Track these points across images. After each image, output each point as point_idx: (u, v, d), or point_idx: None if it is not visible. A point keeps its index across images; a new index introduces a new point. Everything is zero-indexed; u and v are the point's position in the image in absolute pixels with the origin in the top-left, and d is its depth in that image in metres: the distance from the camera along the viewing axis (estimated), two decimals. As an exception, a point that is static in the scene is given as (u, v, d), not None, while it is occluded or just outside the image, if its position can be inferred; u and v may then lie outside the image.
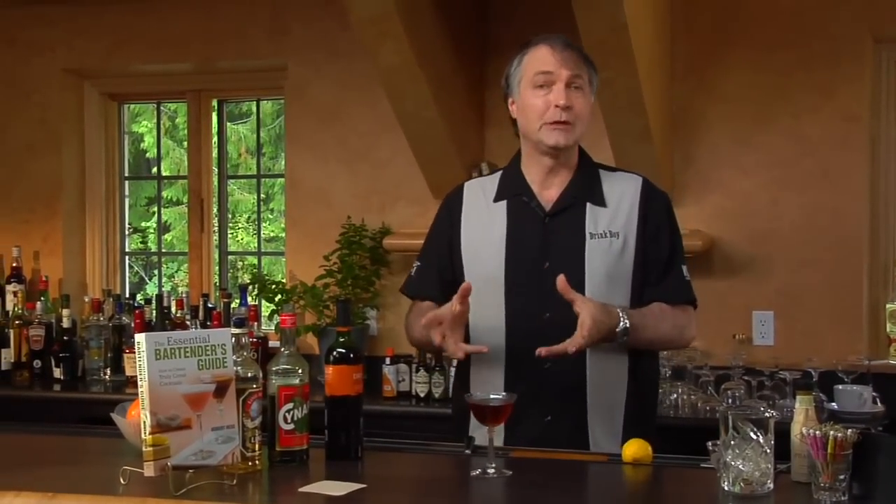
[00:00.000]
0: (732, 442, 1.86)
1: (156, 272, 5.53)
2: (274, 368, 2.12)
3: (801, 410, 1.93)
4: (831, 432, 1.79)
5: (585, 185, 2.47)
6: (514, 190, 2.50)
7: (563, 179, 2.47)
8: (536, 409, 2.35)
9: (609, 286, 2.39)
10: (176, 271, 6.72)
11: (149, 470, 1.92)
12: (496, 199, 2.51)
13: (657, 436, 2.40)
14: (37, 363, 4.37)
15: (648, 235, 2.44)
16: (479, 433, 2.34)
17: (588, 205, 2.44)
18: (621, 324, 2.31)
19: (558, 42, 2.43)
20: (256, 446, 2.06)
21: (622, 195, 2.47)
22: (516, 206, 2.48)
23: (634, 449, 2.16)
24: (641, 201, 2.46)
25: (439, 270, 2.55)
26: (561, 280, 2.26)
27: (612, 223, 2.43)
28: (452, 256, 2.52)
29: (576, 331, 2.25)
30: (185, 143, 5.02)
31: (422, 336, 2.45)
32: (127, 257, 5.13)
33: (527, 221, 2.46)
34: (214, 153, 4.91)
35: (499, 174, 2.59)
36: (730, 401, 3.51)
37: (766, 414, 1.89)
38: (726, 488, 1.87)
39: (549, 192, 2.47)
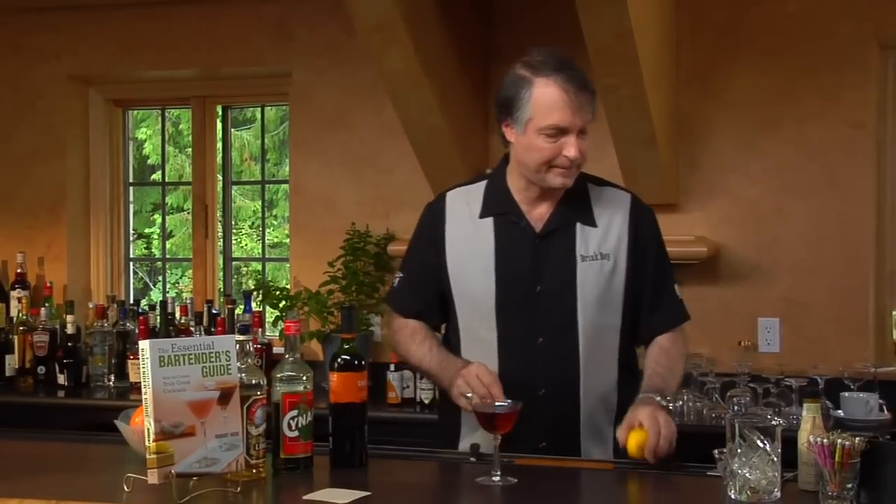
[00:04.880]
0: (739, 450, 1.85)
1: (160, 278, 5.53)
2: (278, 375, 2.12)
3: (808, 418, 1.92)
4: (839, 440, 1.78)
5: (575, 205, 2.42)
6: (501, 207, 2.43)
7: (553, 199, 2.41)
8: (532, 434, 2.31)
9: (600, 308, 2.36)
10: (180, 277, 6.72)
11: (152, 477, 1.91)
12: (482, 216, 2.44)
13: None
14: (41, 369, 4.37)
15: (638, 256, 2.41)
16: (474, 440, 2.35)
17: (578, 225, 2.40)
18: (665, 401, 2.32)
19: (572, 83, 2.28)
20: (260, 453, 2.05)
21: (612, 215, 2.42)
22: (504, 224, 2.42)
23: (638, 439, 2.16)
24: (631, 221, 2.42)
25: (425, 285, 2.49)
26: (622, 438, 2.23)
27: (603, 244, 2.39)
28: (439, 273, 2.45)
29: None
30: (188, 150, 5.02)
31: (414, 362, 2.50)
32: (131, 263, 5.13)
33: (516, 241, 2.40)
34: (219, 159, 4.92)
35: (483, 185, 2.49)
36: (735, 408, 3.49)
37: (773, 422, 1.89)
38: (733, 496, 1.86)
39: (537, 210, 2.42)
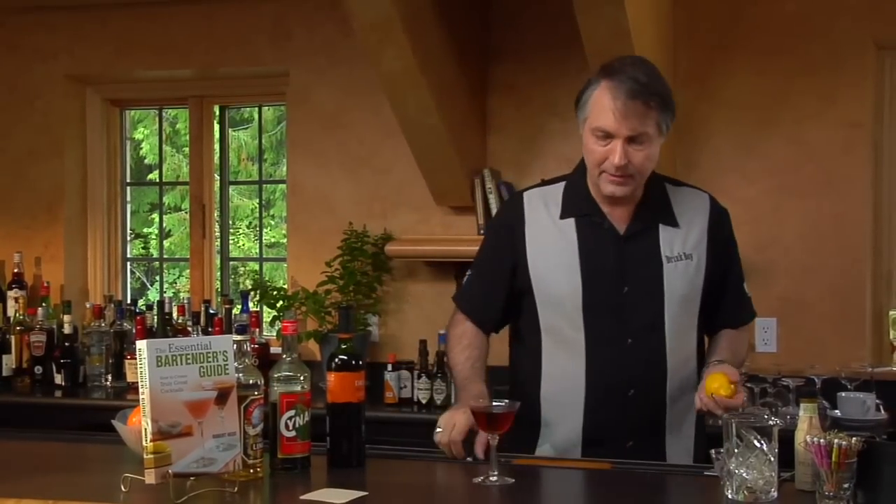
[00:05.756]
0: (736, 450, 1.85)
1: (157, 278, 5.52)
2: (276, 375, 2.12)
3: (806, 418, 1.92)
4: (836, 440, 1.78)
5: (656, 206, 2.41)
6: (582, 209, 2.41)
7: (633, 201, 2.39)
8: (618, 433, 2.33)
9: (683, 307, 2.37)
10: (177, 277, 6.71)
11: (150, 477, 1.91)
12: (563, 216, 2.42)
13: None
14: (38, 369, 4.36)
15: (717, 256, 2.43)
16: (548, 448, 2.39)
17: (661, 226, 2.39)
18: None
19: (623, 90, 2.25)
20: (258, 454, 2.05)
21: (693, 215, 2.43)
22: (586, 225, 2.39)
23: (718, 385, 2.18)
24: (711, 221, 2.44)
25: (493, 286, 2.47)
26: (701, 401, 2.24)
27: (686, 244, 2.39)
28: (516, 274, 2.42)
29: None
30: (185, 149, 5.02)
31: (450, 364, 2.53)
32: (128, 263, 5.13)
33: (601, 242, 2.38)
34: (216, 159, 4.92)
35: (561, 186, 2.46)
36: (733, 408, 3.50)
37: (770, 422, 1.89)
38: (730, 496, 1.86)
39: (618, 211, 2.39)
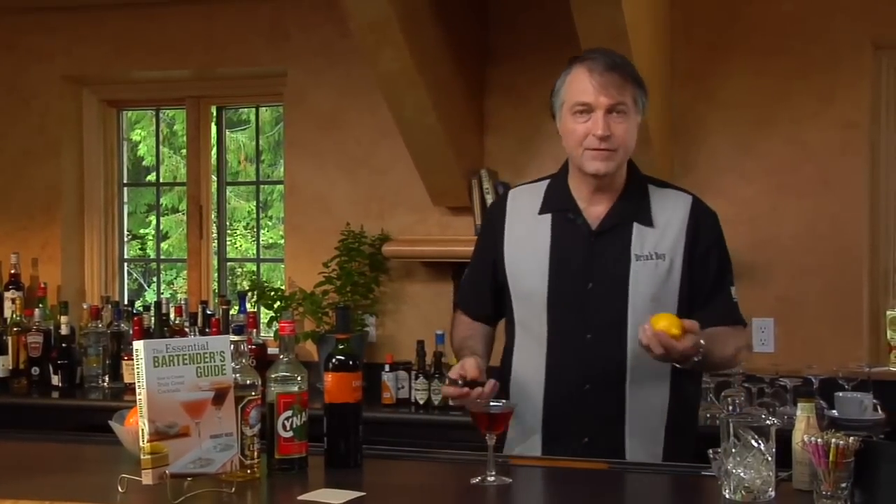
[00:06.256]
0: (734, 449, 1.85)
1: (154, 279, 5.52)
2: (273, 376, 2.12)
3: (803, 418, 1.92)
4: (833, 440, 1.78)
5: (633, 204, 2.41)
6: (559, 204, 2.44)
7: (612, 197, 2.41)
8: (575, 428, 2.33)
9: (653, 308, 2.32)
10: (175, 278, 6.71)
11: (147, 478, 1.90)
12: (541, 212, 2.46)
13: (695, 449, 2.35)
14: (35, 370, 4.36)
15: (697, 257, 2.39)
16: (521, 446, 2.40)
17: (635, 224, 2.39)
18: (696, 357, 2.24)
19: (599, 64, 2.32)
20: (255, 454, 2.05)
21: (671, 215, 2.41)
22: (561, 220, 2.43)
23: (668, 323, 2.16)
24: (691, 222, 2.41)
25: (484, 282, 2.54)
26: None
27: (659, 244, 2.38)
28: (497, 268, 2.48)
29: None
30: (183, 151, 5.02)
31: (457, 352, 2.54)
32: (125, 264, 5.12)
33: (572, 238, 2.41)
34: (213, 160, 4.91)
35: (546, 183, 2.51)
36: (730, 408, 3.49)
37: (768, 421, 1.89)
38: (727, 496, 1.86)
39: (596, 208, 2.41)
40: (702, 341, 2.21)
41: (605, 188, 2.41)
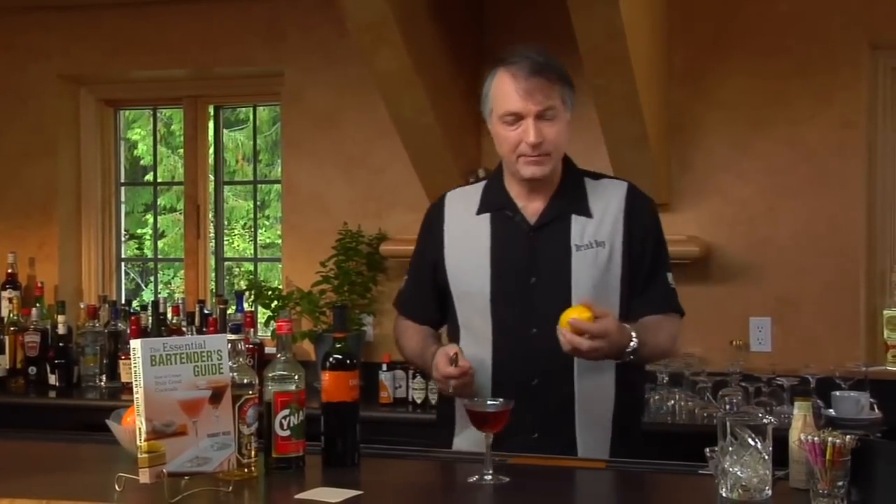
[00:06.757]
0: (731, 448, 1.85)
1: (152, 279, 5.52)
2: (270, 375, 2.11)
3: (800, 417, 1.93)
4: (829, 439, 1.78)
5: (570, 197, 2.43)
6: (497, 203, 2.46)
7: (548, 192, 2.43)
8: (524, 425, 2.31)
9: (596, 297, 2.33)
10: (172, 278, 6.71)
11: (144, 477, 1.90)
12: (479, 212, 2.47)
13: (644, 443, 2.42)
14: (32, 370, 4.36)
15: (634, 243, 2.41)
16: (463, 439, 2.40)
17: (573, 216, 2.40)
18: (632, 343, 2.26)
19: (523, 69, 2.31)
20: (252, 453, 2.05)
21: (608, 204, 2.43)
22: (500, 219, 2.44)
23: (576, 313, 2.18)
24: (627, 208, 2.42)
25: (426, 286, 2.54)
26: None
27: (598, 232, 2.39)
28: (437, 271, 2.49)
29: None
30: (180, 150, 5.02)
31: (408, 357, 2.60)
32: (123, 263, 5.12)
33: (511, 235, 2.42)
34: (211, 160, 4.91)
35: (482, 185, 2.54)
36: (727, 407, 3.51)
37: (764, 420, 1.89)
38: (724, 495, 1.86)
39: (533, 205, 2.43)
40: (635, 342, 2.25)
41: (542, 186, 2.42)
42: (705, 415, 3.56)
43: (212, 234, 4.90)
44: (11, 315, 4.49)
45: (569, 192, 2.43)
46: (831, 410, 3.45)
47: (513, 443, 2.27)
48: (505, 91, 2.33)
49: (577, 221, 2.40)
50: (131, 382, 1.98)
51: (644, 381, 2.65)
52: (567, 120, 2.38)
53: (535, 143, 2.31)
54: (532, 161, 2.34)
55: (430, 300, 2.54)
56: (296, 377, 2.12)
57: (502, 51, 2.40)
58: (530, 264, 2.39)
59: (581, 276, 2.36)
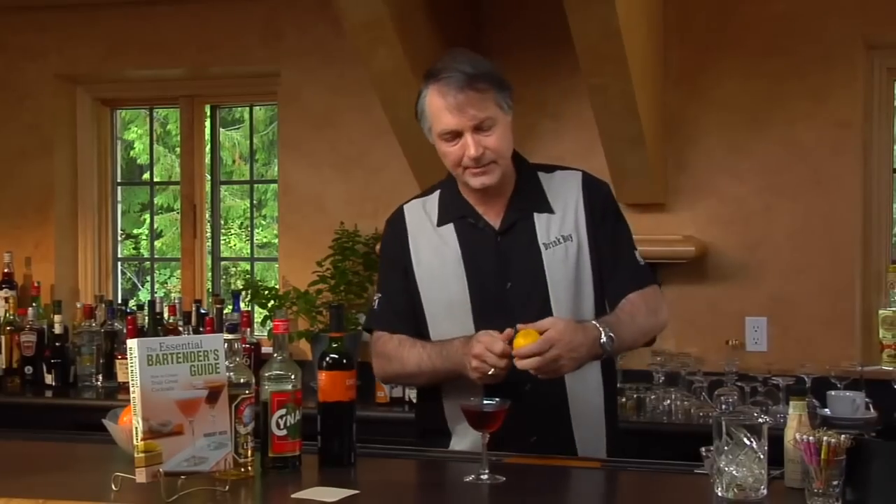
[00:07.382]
0: (726, 448, 1.86)
1: (148, 278, 5.51)
2: (266, 374, 2.11)
3: (795, 416, 1.93)
4: (825, 438, 1.79)
5: (528, 196, 2.41)
6: (457, 212, 2.42)
7: (505, 194, 2.40)
8: (520, 430, 2.27)
9: (574, 292, 2.34)
10: (168, 277, 6.70)
11: (140, 476, 1.91)
12: (440, 223, 2.43)
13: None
14: (28, 369, 4.36)
15: (597, 230, 2.39)
16: (456, 440, 2.39)
17: (535, 215, 2.39)
18: (603, 336, 2.22)
19: (451, 85, 2.27)
20: (249, 452, 2.05)
21: (567, 196, 2.41)
22: (464, 227, 2.41)
23: (523, 341, 2.15)
24: (584, 197, 2.41)
25: (403, 302, 2.44)
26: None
27: (563, 227, 2.38)
28: (408, 283, 2.43)
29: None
30: (177, 150, 5.02)
31: (412, 368, 2.40)
32: (119, 263, 5.12)
33: (479, 242, 2.39)
34: (207, 159, 4.91)
35: (437, 195, 2.48)
36: (723, 407, 3.52)
37: (760, 420, 1.89)
38: (720, 494, 1.86)
39: (493, 209, 2.41)
40: (608, 333, 2.21)
41: (497, 190, 2.39)
42: (701, 414, 3.57)
43: (208, 234, 4.90)
44: (8, 315, 4.49)
45: (526, 191, 2.42)
46: (827, 410, 3.46)
47: (511, 448, 2.26)
48: (437, 109, 2.31)
49: (539, 219, 2.39)
50: (128, 382, 1.98)
51: (615, 364, 2.61)
52: (507, 122, 2.34)
53: (475, 156, 2.29)
54: (478, 172, 2.32)
55: (411, 313, 2.43)
56: (292, 377, 2.12)
57: (432, 65, 2.36)
58: (503, 269, 2.37)
59: (555, 274, 2.35)
